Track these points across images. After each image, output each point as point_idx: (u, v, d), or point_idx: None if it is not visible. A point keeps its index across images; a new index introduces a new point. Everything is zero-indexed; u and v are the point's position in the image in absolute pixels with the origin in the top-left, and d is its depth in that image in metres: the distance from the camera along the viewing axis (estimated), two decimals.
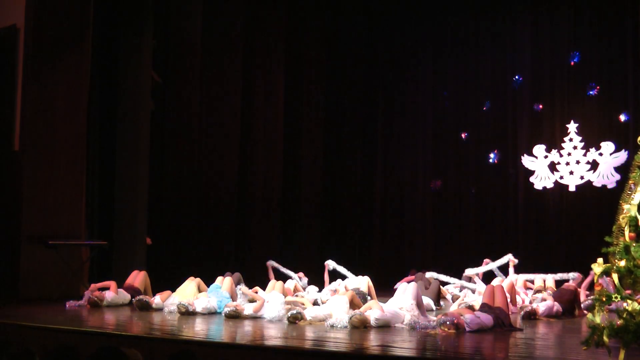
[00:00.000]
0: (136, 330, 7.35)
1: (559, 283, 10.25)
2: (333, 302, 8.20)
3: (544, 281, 10.30)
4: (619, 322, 4.88)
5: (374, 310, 7.59)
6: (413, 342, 6.57)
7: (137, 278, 9.94)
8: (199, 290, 9.53)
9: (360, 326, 7.37)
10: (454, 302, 9.91)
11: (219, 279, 9.50)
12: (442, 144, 15.10)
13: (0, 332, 7.15)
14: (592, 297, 8.15)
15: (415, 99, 15.48)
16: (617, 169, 12.99)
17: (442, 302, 10.01)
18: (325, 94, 15.21)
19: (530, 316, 8.60)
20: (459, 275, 11.08)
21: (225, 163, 13.27)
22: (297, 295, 9.35)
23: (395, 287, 10.05)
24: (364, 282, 9.38)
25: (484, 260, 11.16)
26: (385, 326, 7.49)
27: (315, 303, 8.96)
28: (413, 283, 8.53)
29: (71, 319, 8.04)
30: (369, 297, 8.91)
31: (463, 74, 14.94)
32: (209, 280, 9.64)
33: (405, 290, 8.19)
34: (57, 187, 10.43)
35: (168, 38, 12.67)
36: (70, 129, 10.62)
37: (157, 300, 9.16)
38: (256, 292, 8.91)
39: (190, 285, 9.43)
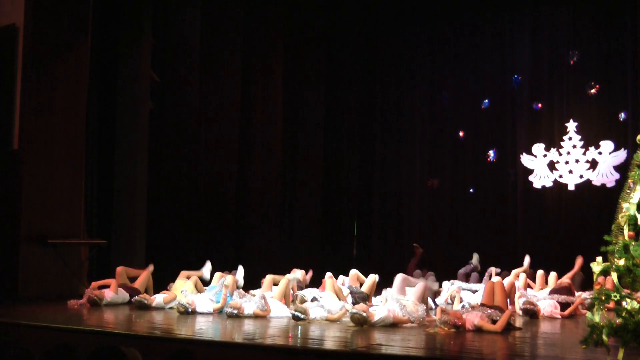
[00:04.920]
0: (135, 329, 7.35)
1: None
2: (325, 299, 8.27)
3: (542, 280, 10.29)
4: (618, 320, 4.88)
5: (378, 311, 7.61)
6: (413, 341, 6.57)
7: (139, 278, 9.93)
8: (197, 289, 9.55)
9: (360, 324, 7.41)
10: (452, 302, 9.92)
11: (216, 275, 9.53)
12: (440, 143, 15.10)
13: None
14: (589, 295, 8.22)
15: (413, 97, 15.48)
16: (617, 168, 13.00)
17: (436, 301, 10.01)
18: (323, 92, 15.21)
19: (530, 314, 8.60)
20: (454, 276, 11.13)
21: (224, 162, 13.27)
22: (297, 295, 9.34)
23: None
24: (369, 282, 9.39)
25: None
26: (385, 325, 7.51)
27: (314, 300, 8.96)
28: (421, 282, 8.54)
29: (70, 318, 8.04)
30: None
31: (461, 72, 14.93)
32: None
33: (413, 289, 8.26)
34: (56, 185, 10.42)
35: (167, 38, 12.67)
36: (70, 127, 10.61)
37: (158, 300, 9.17)
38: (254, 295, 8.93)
39: (187, 283, 9.46)
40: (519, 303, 8.95)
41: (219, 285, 9.06)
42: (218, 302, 8.69)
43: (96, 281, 9.75)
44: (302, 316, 7.79)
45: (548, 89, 13.93)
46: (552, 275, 10.16)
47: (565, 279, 9.79)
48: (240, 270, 10.12)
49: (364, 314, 7.45)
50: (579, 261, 10.43)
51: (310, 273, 10.95)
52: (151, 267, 10.20)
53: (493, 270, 10.94)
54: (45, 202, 10.26)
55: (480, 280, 10.78)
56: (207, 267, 10.26)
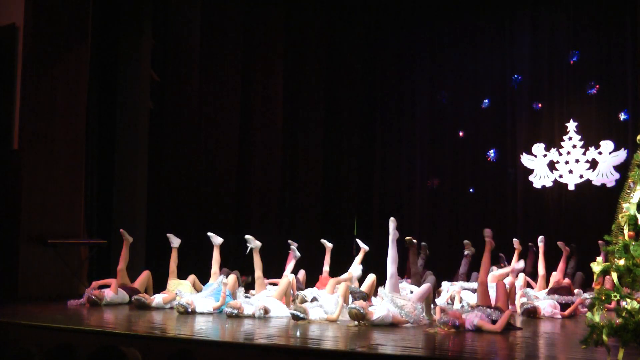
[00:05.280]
0: (135, 329, 7.35)
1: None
2: (323, 299, 8.29)
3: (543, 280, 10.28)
4: (618, 320, 4.87)
5: (378, 310, 7.61)
6: (413, 341, 6.57)
7: (139, 278, 9.93)
8: (195, 288, 9.55)
9: (357, 319, 7.44)
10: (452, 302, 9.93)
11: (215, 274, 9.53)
12: (440, 143, 15.08)
13: None
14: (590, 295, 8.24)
15: (413, 97, 15.47)
16: (617, 168, 12.99)
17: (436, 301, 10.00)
18: (324, 92, 15.20)
19: (530, 314, 8.61)
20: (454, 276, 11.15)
21: (224, 162, 13.27)
22: (297, 295, 9.34)
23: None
24: (368, 281, 9.40)
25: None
26: (383, 325, 7.51)
27: (314, 300, 8.97)
28: (427, 284, 8.53)
29: (70, 317, 8.04)
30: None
31: (462, 72, 14.92)
32: (207, 280, 9.66)
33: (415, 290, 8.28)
34: (56, 185, 10.43)
35: (167, 37, 12.67)
36: (70, 127, 10.62)
37: (157, 300, 9.17)
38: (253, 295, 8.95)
39: (185, 283, 9.47)
40: (519, 302, 8.96)
41: (216, 283, 9.08)
42: (217, 301, 8.70)
43: (97, 281, 9.75)
44: (302, 315, 7.80)
45: (548, 89, 13.93)
46: (553, 275, 10.17)
47: (565, 279, 9.80)
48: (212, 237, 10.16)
49: (362, 310, 7.48)
50: (561, 245, 10.47)
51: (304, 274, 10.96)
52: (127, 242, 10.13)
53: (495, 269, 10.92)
54: (45, 202, 10.27)
55: None
56: (172, 238, 10.23)
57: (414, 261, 9.95)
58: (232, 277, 9.29)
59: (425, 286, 8.31)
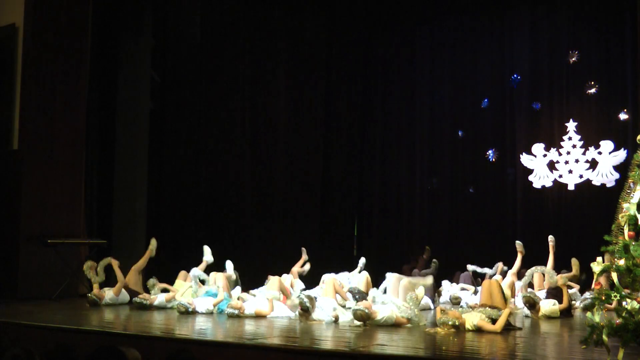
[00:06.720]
0: (135, 329, 7.35)
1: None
2: (323, 301, 8.31)
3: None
4: (618, 320, 4.88)
5: (382, 310, 7.62)
6: (413, 341, 6.57)
7: (130, 278, 9.86)
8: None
9: (362, 320, 7.45)
10: (452, 303, 9.95)
11: (211, 277, 9.51)
12: (439, 143, 15.07)
13: None
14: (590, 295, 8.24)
15: (413, 97, 15.46)
16: (617, 168, 12.98)
17: (437, 301, 10.02)
18: (324, 92, 15.20)
19: (530, 302, 8.59)
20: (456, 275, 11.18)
21: (224, 162, 13.27)
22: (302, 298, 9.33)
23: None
24: (362, 279, 9.42)
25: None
26: (387, 324, 7.52)
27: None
28: (405, 279, 8.58)
29: (70, 318, 8.04)
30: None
31: (461, 71, 14.89)
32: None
33: (406, 289, 8.27)
34: (57, 186, 10.43)
35: (167, 37, 12.68)
36: (70, 128, 10.63)
37: (160, 298, 9.17)
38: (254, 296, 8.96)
39: (187, 284, 9.46)
40: (518, 297, 8.98)
41: (213, 287, 9.16)
42: (220, 306, 8.68)
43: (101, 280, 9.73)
44: (308, 305, 7.81)
45: (548, 88, 13.91)
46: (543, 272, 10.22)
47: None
48: (229, 264, 10.13)
49: (367, 311, 7.49)
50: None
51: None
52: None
53: (500, 265, 10.94)
54: (45, 202, 10.27)
55: (474, 281, 10.80)
56: (207, 251, 10.24)
57: (421, 266, 10.06)
58: (223, 276, 9.31)
59: (404, 280, 8.36)
